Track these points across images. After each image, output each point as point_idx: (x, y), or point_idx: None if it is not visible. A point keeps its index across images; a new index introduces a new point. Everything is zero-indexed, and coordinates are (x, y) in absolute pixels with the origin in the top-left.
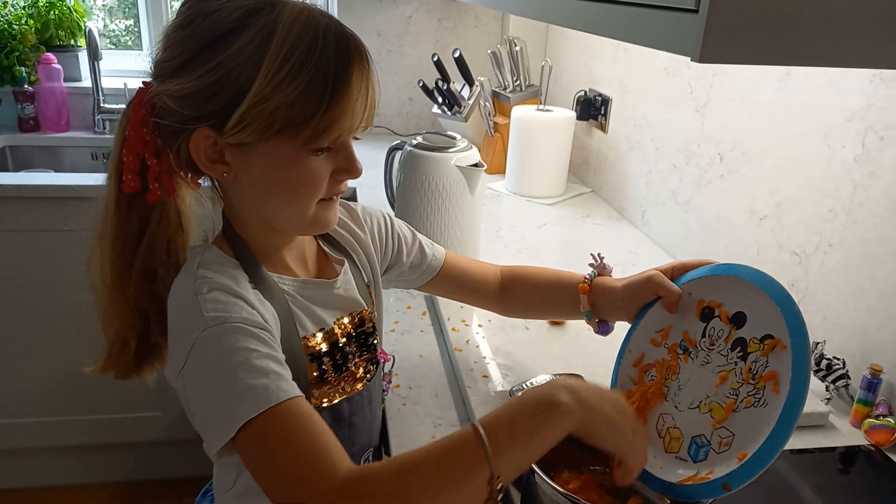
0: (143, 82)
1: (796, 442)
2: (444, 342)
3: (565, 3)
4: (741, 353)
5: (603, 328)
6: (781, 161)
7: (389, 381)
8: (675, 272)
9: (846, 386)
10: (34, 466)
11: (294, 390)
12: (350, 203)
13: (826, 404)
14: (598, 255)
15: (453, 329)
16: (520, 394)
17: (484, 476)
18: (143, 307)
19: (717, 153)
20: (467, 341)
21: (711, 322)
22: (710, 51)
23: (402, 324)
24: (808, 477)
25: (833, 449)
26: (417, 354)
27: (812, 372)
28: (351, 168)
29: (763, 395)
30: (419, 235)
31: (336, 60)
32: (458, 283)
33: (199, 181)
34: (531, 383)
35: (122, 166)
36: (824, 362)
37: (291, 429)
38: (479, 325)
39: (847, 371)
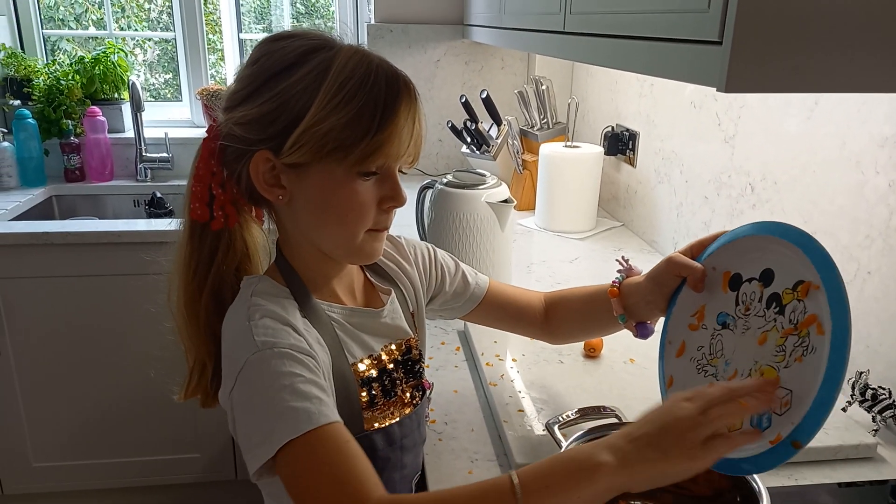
0: (213, 119)
1: (844, 475)
2: (479, 377)
3: (590, 42)
4: (777, 309)
5: (641, 331)
6: (813, 189)
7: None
8: (695, 251)
9: (893, 416)
10: None
11: (334, 416)
12: (395, 236)
13: (874, 436)
14: (624, 258)
15: (487, 364)
16: (563, 449)
17: None
18: (216, 331)
19: (748, 183)
20: (501, 376)
21: (742, 289)
22: (736, 81)
23: (437, 359)
24: None
25: (884, 482)
26: (452, 390)
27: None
28: (396, 196)
29: (809, 341)
30: (462, 265)
31: (386, 91)
32: (502, 311)
33: (262, 217)
34: (567, 416)
35: (192, 196)
36: (869, 392)
37: (328, 452)
38: (514, 360)
39: (893, 401)
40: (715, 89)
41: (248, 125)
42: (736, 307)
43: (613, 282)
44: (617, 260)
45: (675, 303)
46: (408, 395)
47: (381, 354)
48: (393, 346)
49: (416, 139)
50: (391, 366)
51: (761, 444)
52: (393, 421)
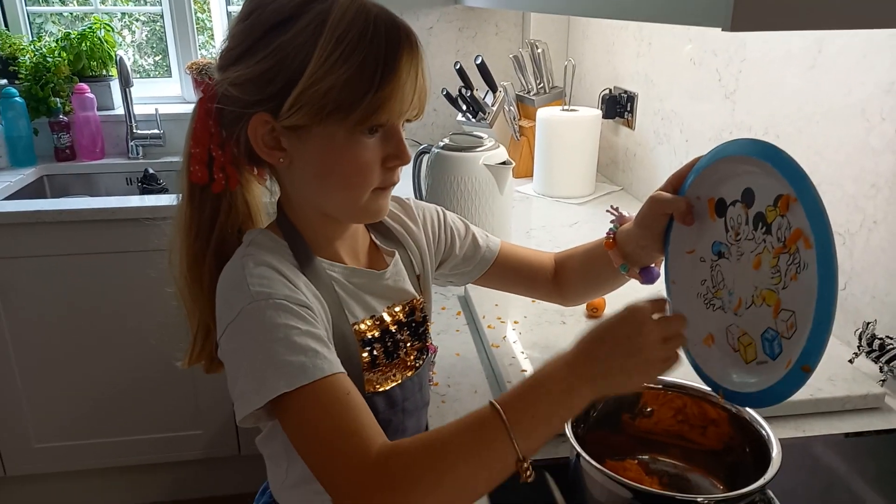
0: (209, 77)
1: (852, 425)
2: (481, 340)
3: None
4: (765, 229)
5: (647, 276)
6: (818, 140)
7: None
8: (675, 184)
9: None
10: (76, 490)
11: (331, 367)
12: (403, 198)
13: (881, 385)
14: (613, 207)
15: (489, 326)
16: (534, 372)
17: (506, 449)
18: None
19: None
20: (504, 337)
21: (728, 213)
22: (741, 19)
23: (438, 324)
24: (866, 462)
25: (891, 431)
26: (454, 353)
27: (836, 255)
28: (400, 154)
29: (800, 257)
30: (473, 227)
31: (386, 44)
32: (514, 273)
33: (265, 176)
34: None
35: (191, 158)
36: (876, 342)
37: (326, 406)
38: (515, 322)
39: None
40: (720, 29)
41: (244, 86)
42: (727, 234)
43: (608, 233)
44: (607, 210)
45: (669, 241)
46: (411, 357)
47: (383, 315)
48: (397, 308)
49: (420, 92)
50: (394, 327)
51: (777, 372)
52: (395, 383)
